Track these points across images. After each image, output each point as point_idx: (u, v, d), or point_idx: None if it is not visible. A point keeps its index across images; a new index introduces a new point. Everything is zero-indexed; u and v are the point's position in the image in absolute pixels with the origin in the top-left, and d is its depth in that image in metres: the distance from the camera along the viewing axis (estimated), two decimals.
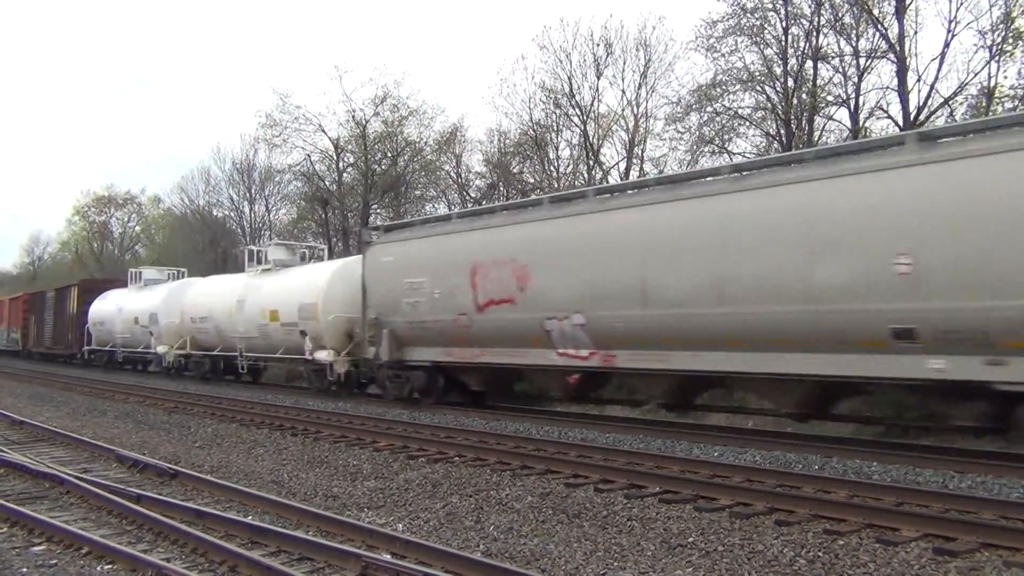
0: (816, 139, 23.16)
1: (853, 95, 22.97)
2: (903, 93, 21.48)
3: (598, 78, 29.87)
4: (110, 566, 6.09)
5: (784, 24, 23.60)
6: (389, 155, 37.15)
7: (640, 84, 29.35)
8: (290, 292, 20.39)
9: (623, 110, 29.86)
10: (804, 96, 23.54)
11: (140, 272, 31.39)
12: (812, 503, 7.47)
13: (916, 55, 22.18)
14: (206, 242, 47.28)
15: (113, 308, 29.94)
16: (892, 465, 9.16)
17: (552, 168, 31.81)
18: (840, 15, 22.76)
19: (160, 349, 26.11)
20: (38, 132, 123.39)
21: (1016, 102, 19.70)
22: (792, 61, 23.66)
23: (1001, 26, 20.39)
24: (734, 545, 6.45)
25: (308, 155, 38.19)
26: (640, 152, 29.52)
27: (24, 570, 6.08)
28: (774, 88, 24.08)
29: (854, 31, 22.65)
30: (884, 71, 22.88)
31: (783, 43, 23.69)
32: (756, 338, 10.92)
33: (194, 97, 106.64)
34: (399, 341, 16.79)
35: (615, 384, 14.73)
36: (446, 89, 72.48)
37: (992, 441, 10.65)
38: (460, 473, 9.58)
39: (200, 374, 25.50)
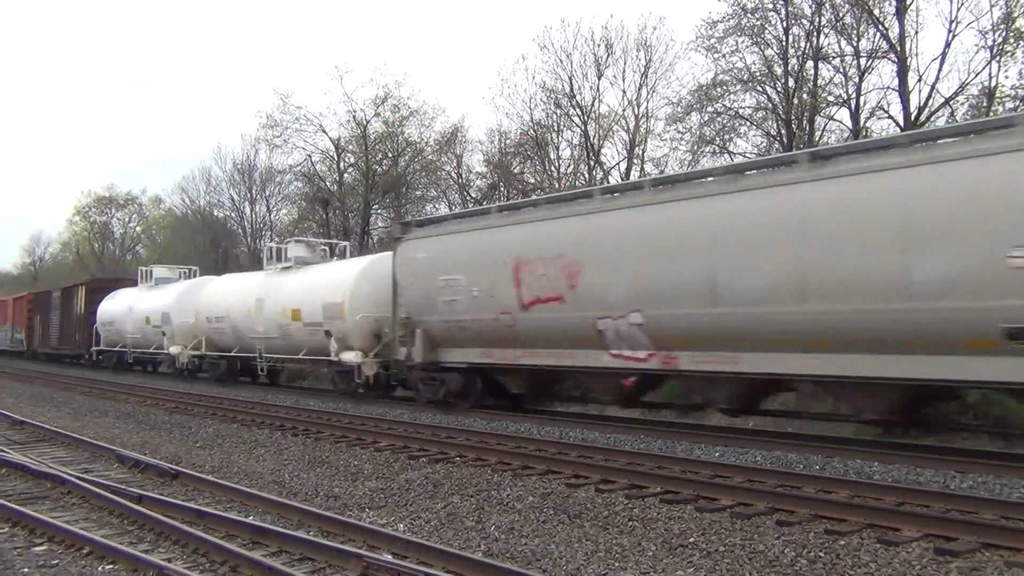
0: (817, 139, 23.18)
1: (854, 95, 23.02)
2: (904, 93, 21.49)
3: (599, 78, 29.95)
4: (111, 566, 6.10)
5: (785, 24, 23.65)
6: (390, 155, 37.20)
7: (641, 84, 29.43)
8: (313, 290, 19.63)
9: (624, 110, 29.93)
10: (805, 96, 23.55)
11: (151, 271, 30.52)
12: (813, 503, 7.46)
13: (917, 55, 22.26)
14: (207, 242, 47.29)
15: (123, 307, 29.24)
16: (893, 465, 9.16)
17: (553, 168, 31.86)
18: (841, 15, 22.80)
19: (173, 350, 25.36)
20: (38, 132, 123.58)
21: (1017, 102, 19.70)
22: (793, 61, 23.72)
23: (1002, 26, 20.43)
24: (735, 545, 6.45)
25: (309, 155, 38.30)
26: (641, 152, 29.59)
27: (26, 570, 6.09)
28: (775, 88, 24.12)
29: (855, 31, 22.69)
30: (885, 71, 22.95)
31: (784, 43, 23.72)
32: (842, 338, 10.09)
33: (194, 97, 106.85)
34: (433, 341, 16.00)
35: (667, 388, 14.00)
36: (447, 89, 72.65)
37: (993, 441, 10.65)
38: (461, 473, 9.58)
39: (215, 376, 24.68)
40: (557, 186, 29.57)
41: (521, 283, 14.11)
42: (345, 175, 38.41)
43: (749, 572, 5.85)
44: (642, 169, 29.10)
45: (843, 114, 23.65)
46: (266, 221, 46.07)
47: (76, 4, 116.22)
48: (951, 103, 21.28)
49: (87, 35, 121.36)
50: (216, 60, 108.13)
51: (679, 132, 26.91)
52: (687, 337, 11.79)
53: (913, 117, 21.05)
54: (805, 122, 23.66)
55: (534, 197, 23.20)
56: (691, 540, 6.63)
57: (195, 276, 29.14)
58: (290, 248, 22.50)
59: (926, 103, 21.42)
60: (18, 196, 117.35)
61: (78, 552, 6.47)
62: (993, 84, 20.53)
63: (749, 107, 25.04)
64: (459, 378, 15.71)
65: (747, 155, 24.16)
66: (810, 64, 23.49)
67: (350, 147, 37.54)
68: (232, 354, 23.64)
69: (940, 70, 21.49)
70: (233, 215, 48.30)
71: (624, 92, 29.73)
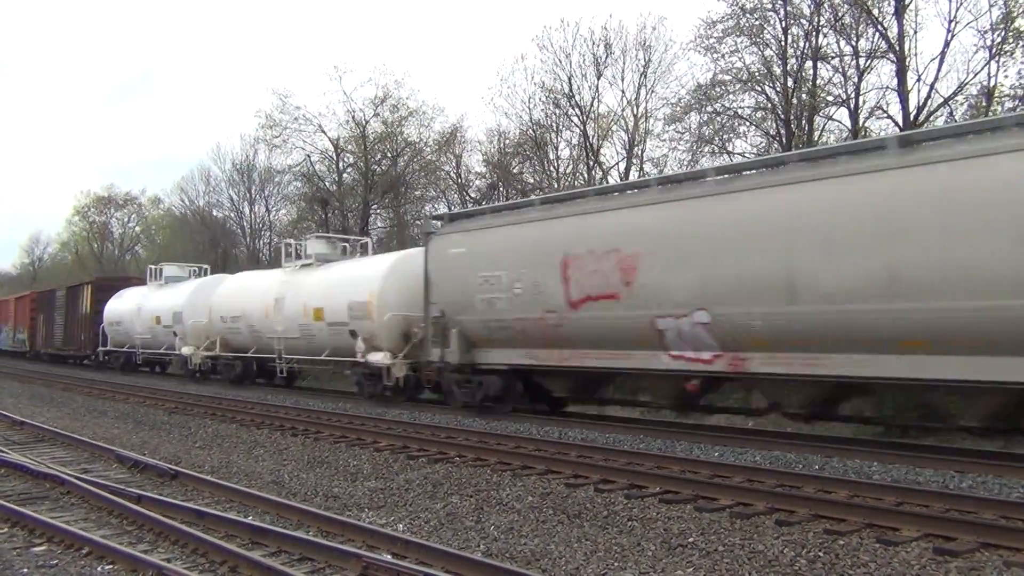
0: (816, 139, 23.18)
1: (853, 95, 22.98)
2: (903, 93, 21.48)
3: (598, 78, 29.90)
4: (111, 566, 6.10)
5: (784, 24, 23.63)
6: (389, 155, 37.18)
7: (640, 84, 29.41)
8: (337, 288, 18.75)
9: (623, 110, 29.92)
10: (804, 96, 23.53)
11: (160, 269, 29.42)
12: (812, 503, 7.47)
13: (916, 55, 22.23)
14: (206, 242, 47.28)
15: (131, 307, 28.38)
16: (892, 465, 9.17)
17: (552, 168, 31.87)
18: (840, 15, 22.78)
19: (185, 350, 24.36)
20: (38, 132, 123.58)
21: (1016, 102, 19.70)
22: (792, 61, 23.69)
23: (1001, 26, 20.40)
24: (734, 545, 6.45)
25: (308, 155, 38.24)
26: (640, 152, 29.59)
27: (25, 570, 6.09)
28: (774, 88, 24.09)
29: (854, 31, 22.66)
30: (884, 71, 22.91)
31: (783, 43, 23.70)
32: (941, 339, 9.27)
33: (193, 97, 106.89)
34: (470, 342, 15.10)
35: (728, 391, 13.39)
36: (446, 89, 72.68)
37: (992, 441, 10.63)
38: (461, 473, 9.58)
39: (230, 377, 23.46)
40: (556, 186, 29.56)
41: (569, 280, 13.20)
42: (344, 175, 38.41)
43: (748, 572, 5.85)
44: (641, 169, 29.13)
45: (842, 114, 23.67)
46: (265, 221, 46.16)
47: (76, 4, 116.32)
48: (950, 103, 21.30)
49: (86, 35, 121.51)
50: (215, 60, 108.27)
51: (678, 132, 26.94)
52: (761, 337, 10.93)
53: (912, 117, 21.05)
54: (804, 122, 23.64)
55: (586, 188, 21.40)
56: (690, 540, 6.64)
57: (206, 274, 28.22)
58: (310, 244, 21.44)
59: (925, 103, 21.43)
60: (17, 196, 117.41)
61: (77, 552, 6.47)
62: (992, 84, 20.55)
63: (748, 107, 25.06)
64: (498, 381, 14.82)
65: (746, 155, 24.15)
66: (809, 64, 23.48)
67: (349, 147, 37.54)
68: (249, 355, 22.58)
69: (939, 70, 21.49)
70: (232, 215, 48.38)
71: (623, 92, 29.75)
